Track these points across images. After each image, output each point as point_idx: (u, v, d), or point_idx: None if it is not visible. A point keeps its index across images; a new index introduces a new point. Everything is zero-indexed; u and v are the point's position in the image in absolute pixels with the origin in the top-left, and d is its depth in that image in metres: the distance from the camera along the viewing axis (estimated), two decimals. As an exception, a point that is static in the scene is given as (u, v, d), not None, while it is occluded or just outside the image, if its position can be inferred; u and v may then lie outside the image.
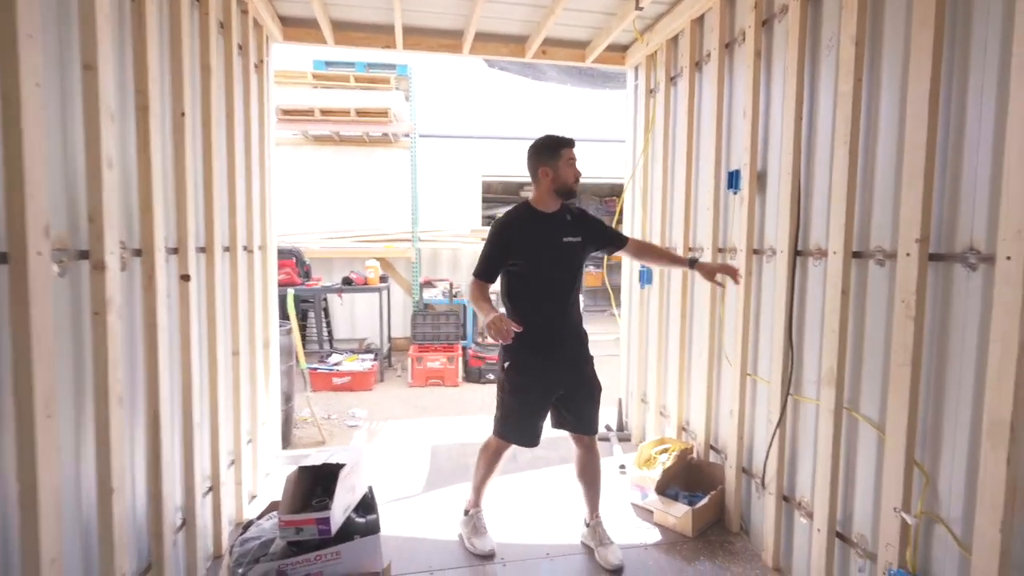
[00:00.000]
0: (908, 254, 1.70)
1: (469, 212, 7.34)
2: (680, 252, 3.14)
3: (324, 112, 6.06)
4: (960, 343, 1.60)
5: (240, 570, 2.01)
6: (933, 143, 1.64)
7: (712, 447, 2.90)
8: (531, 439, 2.38)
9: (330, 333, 6.58)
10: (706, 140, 2.91)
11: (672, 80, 3.31)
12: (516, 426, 2.37)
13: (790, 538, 2.32)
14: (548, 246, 2.28)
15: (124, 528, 1.59)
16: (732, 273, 2.37)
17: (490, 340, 2.22)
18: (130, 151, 1.76)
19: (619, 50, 3.79)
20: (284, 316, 3.97)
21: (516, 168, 7.88)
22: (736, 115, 2.67)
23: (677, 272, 3.19)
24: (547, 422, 2.41)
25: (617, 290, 4.37)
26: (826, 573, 2.06)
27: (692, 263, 2.43)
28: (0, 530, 1.22)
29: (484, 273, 2.31)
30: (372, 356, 5.73)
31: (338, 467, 2.19)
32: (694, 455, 2.95)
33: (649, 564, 2.42)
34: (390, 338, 6.43)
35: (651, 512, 2.76)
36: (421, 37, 3.57)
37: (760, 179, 2.49)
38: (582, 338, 2.41)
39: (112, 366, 1.54)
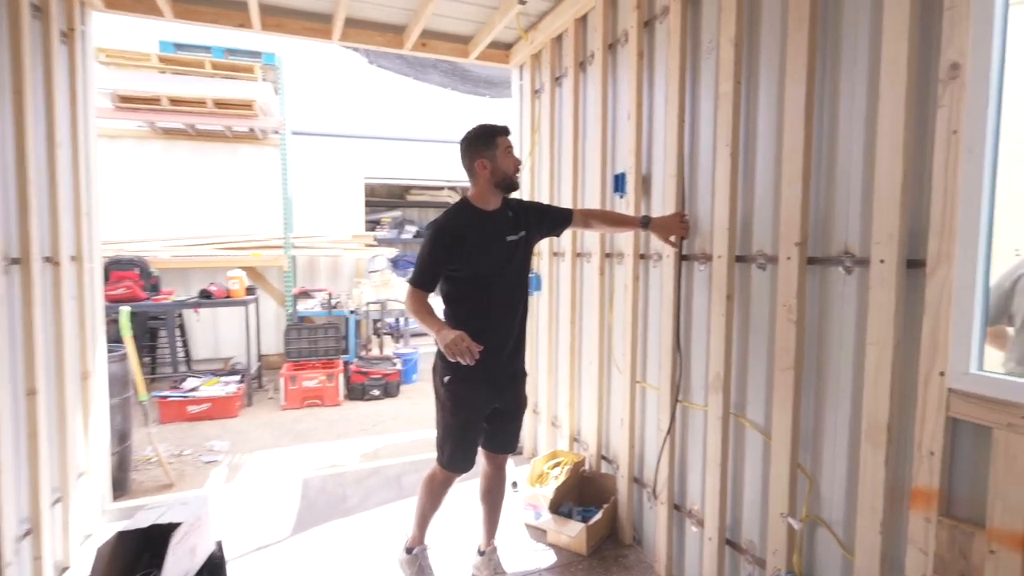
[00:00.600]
0: (788, 258, 1.69)
1: (351, 216, 6.85)
2: (567, 258, 3.05)
3: (174, 101, 5.30)
4: (838, 346, 1.61)
5: None
6: (810, 148, 1.64)
7: (604, 457, 2.83)
8: (470, 464, 2.15)
9: (187, 354, 5.78)
10: (591, 142, 2.85)
11: (557, 80, 3.23)
12: (463, 449, 2.12)
13: (682, 547, 2.28)
14: (492, 248, 2.06)
15: None
16: (682, 235, 2.19)
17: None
18: None
19: (503, 48, 3.66)
20: (118, 339, 3.33)
21: (401, 170, 7.57)
22: (621, 117, 2.62)
23: (566, 278, 3.10)
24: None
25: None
26: (718, 582, 2.03)
27: (645, 224, 2.24)
28: None
29: (422, 281, 2.03)
30: (239, 378, 5.09)
31: (171, 527, 1.77)
32: (586, 467, 2.86)
33: (544, 592, 2.26)
34: (260, 356, 5.78)
35: (544, 532, 2.62)
36: (283, 18, 3.17)
37: (645, 182, 2.45)
38: (522, 348, 2.22)
39: None
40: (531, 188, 3.55)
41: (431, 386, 2.18)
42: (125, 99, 5.19)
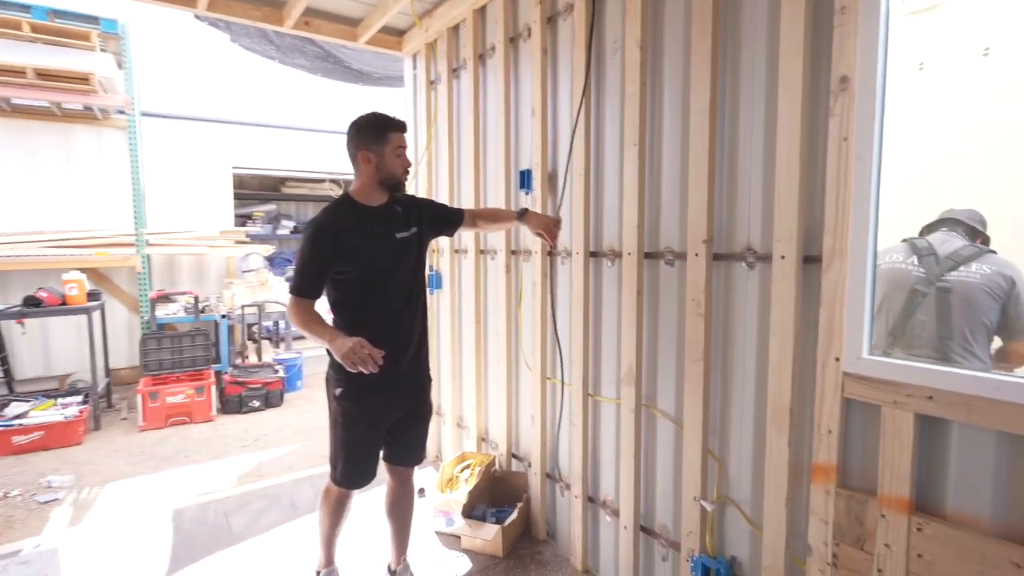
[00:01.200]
0: (696, 254, 1.77)
1: (218, 211, 6.14)
2: (471, 255, 2.98)
3: (-22, 68, 4.35)
4: (743, 336, 1.72)
5: None
6: (714, 151, 1.73)
7: (514, 455, 2.81)
8: (369, 478, 1.98)
9: (8, 374, 4.82)
10: (494, 138, 2.80)
11: (455, 72, 3.12)
12: (358, 467, 1.95)
13: (596, 538, 2.33)
14: (379, 246, 1.88)
15: None
16: (551, 232, 2.27)
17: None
18: None
19: (396, 34, 3.47)
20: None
21: (276, 160, 6.94)
22: (524, 113, 2.60)
23: (469, 276, 3.03)
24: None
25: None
26: (633, 568, 2.09)
27: (521, 215, 2.27)
28: None
29: (305, 288, 1.80)
30: (81, 398, 4.35)
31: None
32: (497, 467, 2.82)
33: (463, 601, 2.19)
34: (108, 371, 4.98)
35: (458, 538, 2.54)
36: (134, -22, 2.72)
37: (551, 179, 2.45)
38: (424, 352, 2.07)
39: None
40: (429, 184, 3.42)
41: (320, 393, 2.00)
42: (-92, 61, 4.15)
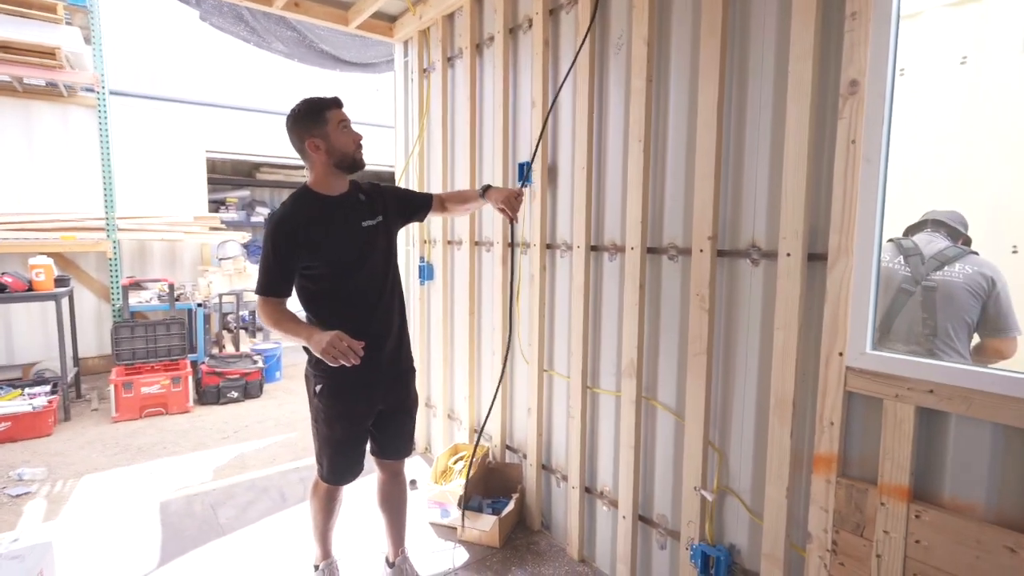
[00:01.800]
0: (701, 250, 1.81)
1: (191, 195, 5.94)
2: (466, 246, 2.96)
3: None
4: (746, 331, 1.76)
5: None
6: (721, 149, 1.76)
7: (508, 447, 2.83)
8: (356, 473, 1.97)
9: (-32, 362, 4.59)
10: (491, 130, 2.78)
11: (450, 61, 3.09)
12: (344, 463, 1.93)
13: (592, 528, 2.37)
14: (344, 237, 1.82)
15: None
16: (512, 205, 2.13)
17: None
18: None
19: (387, 20, 3.40)
20: None
21: (251, 144, 6.74)
22: (523, 105, 2.59)
23: (462, 267, 3.01)
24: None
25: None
26: (631, 556, 2.14)
27: (483, 192, 2.19)
28: None
29: (272, 287, 1.75)
30: (49, 388, 4.18)
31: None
32: (491, 459, 2.84)
33: (462, 591, 2.21)
34: (77, 360, 4.80)
35: (454, 529, 2.55)
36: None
37: (551, 173, 2.46)
38: (405, 343, 2.03)
39: None
40: (421, 176, 3.38)
41: (301, 384, 1.98)
42: None
